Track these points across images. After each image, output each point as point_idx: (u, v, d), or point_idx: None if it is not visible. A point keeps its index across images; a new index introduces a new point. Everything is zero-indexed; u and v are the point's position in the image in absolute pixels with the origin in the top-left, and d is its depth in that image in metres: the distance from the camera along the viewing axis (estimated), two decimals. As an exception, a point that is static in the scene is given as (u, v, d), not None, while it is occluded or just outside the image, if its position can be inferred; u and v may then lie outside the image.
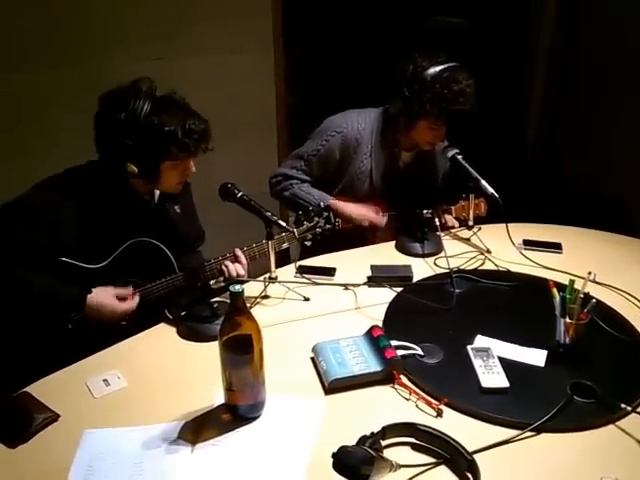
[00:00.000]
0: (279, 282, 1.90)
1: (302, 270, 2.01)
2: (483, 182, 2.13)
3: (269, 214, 1.81)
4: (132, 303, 1.77)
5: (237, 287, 1.29)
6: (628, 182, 3.34)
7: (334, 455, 1.12)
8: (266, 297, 1.88)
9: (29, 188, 1.76)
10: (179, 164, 1.77)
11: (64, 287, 1.70)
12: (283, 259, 2.10)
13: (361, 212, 2.29)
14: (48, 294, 1.69)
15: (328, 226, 2.02)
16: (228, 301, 1.35)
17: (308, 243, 2.03)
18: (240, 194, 1.84)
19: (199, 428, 1.37)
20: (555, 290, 1.62)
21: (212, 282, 1.77)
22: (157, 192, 1.92)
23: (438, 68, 2.11)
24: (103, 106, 1.73)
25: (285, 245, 1.99)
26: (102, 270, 1.77)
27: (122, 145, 1.68)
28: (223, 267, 1.84)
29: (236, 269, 1.84)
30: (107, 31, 2.78)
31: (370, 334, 1.61)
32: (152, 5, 2.82)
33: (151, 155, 1.72)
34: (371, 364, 1.51)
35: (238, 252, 1.87)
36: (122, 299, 1.76)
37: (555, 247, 2.19)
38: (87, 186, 1.77)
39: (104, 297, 1.73)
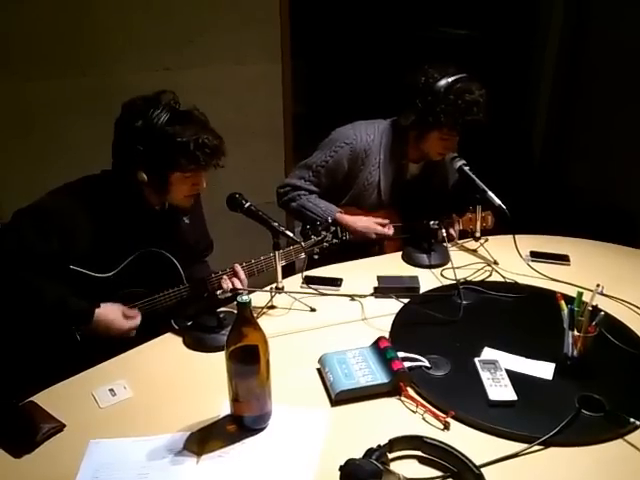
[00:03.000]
0: (285, 292, 1.90)
1: (308, 280, 2.01)
2: (490, 193, 2.12)
3: (276, 224, 1.81)
4: (136, 321, 1.78)
5: (245, 297, 1.29)
6: (635, 193, 3.33)
7: (341, 468, 1.12)
8: (272, 307, 1.88)
9: (43, 195, 1.77)
10: (189, 177, 1.77)
11: (74, 298, 1.70)
12: (288, 269, 2.10)
13: (367, 225, 2.29)
14: (58, 303, 1.69)
15: (335, 240, 2.03)
16: (234, 311, 1.34)
17: (316, 257, 2.03)
18: (247, 204, 1.84)
19: (205, 439, 1.37)
20: (563, 302, 1.61)
21: (219, 292, 1.77)
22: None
23: (450, 79, 2.12)
24: (124, 113, 1.74)
25: (292, 259, 1.99)
26: (111, 279, 1.77)
27: (134, 152, 1.69)
28: (222, 282, 1.83)
29: (233, 283, 1.83)
30: (117, 42, 2.80)
31: (377, 345, 1.60)
32: (162, 16, 2.84)
33: (161, 165, 1.72)
34: (378, 376, 1.50)
35: (237, 268, 1.87)
36: (127, 317, 1.77)
37: (562, 259, 2.18)
38: (100, 195, 1.78)
39: (112, 312, 1.74)
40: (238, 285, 1.83)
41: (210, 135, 1.73)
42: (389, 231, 2.30)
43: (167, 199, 1.85)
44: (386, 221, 2.31)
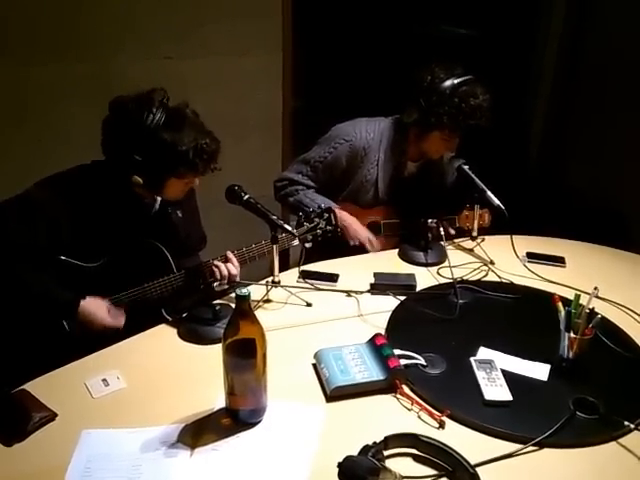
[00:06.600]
0: (281, 286, 1.89)
1: (305, 275, 2.00)
2: (489, 193, 2.12)
3: (275, 217, 1.79)
4: (119, 321, 1.75)
5: (244, 290, 1.28)
6: (631, 197, 3.34)
7: (340, 465, 1.11)
8: (268, 301, 1.87)
9: (31, 185, 1.74)
10: (185, 180, 1.78)
11: (59, 290, 1.69)
12: (284, 264, 2.09)
13: (358, 231, 2.26)
14: (43, 294, 1.67)
15: (329, 227, 2.00)
16: (230, 304, 1.33)
17: (308, 245, 2.00)
18: (246, 197, 1.83)
19: (199, 432, 1.36)
20: (560, 304, 1.61)
21: (215, 284, 1.76)
22: None
23: (456, 81, 2.11)
24: (114, 114, 1.70)
25: (285, 246, 1.97)
26: (100, 270, 1.75)
27: (131, 160, 1.67)
28: (214, 268, 1.83)
29: (228, 269, 1.82)
30: (117, 28, 2.76)
31: (373, 342, 1.59)
32: (162, 4, 2.81)
33: (158, 172, 1.72)
34: (374, 372, 1.50)
35: (230, 254, 1.86)
36: (111, 314, 1.74)
37: (558, 261, 2.18)
38: (89, 186, 1.76)
39: (95, 306, 1.72)
40: (233, 271, 1.82)
41: (208, 139, 1.71)
42: (371, 249, 2.26)
43: (160, 197, 1.85)
44: (378, 244, 2.28)
